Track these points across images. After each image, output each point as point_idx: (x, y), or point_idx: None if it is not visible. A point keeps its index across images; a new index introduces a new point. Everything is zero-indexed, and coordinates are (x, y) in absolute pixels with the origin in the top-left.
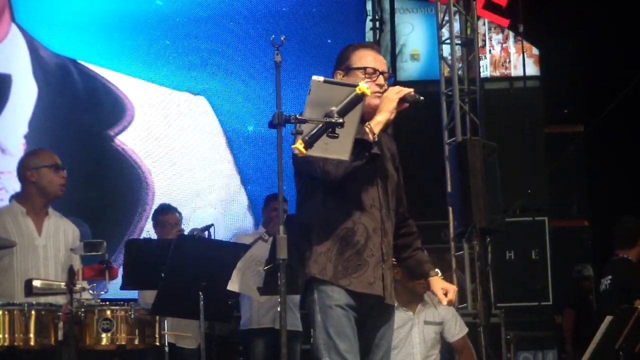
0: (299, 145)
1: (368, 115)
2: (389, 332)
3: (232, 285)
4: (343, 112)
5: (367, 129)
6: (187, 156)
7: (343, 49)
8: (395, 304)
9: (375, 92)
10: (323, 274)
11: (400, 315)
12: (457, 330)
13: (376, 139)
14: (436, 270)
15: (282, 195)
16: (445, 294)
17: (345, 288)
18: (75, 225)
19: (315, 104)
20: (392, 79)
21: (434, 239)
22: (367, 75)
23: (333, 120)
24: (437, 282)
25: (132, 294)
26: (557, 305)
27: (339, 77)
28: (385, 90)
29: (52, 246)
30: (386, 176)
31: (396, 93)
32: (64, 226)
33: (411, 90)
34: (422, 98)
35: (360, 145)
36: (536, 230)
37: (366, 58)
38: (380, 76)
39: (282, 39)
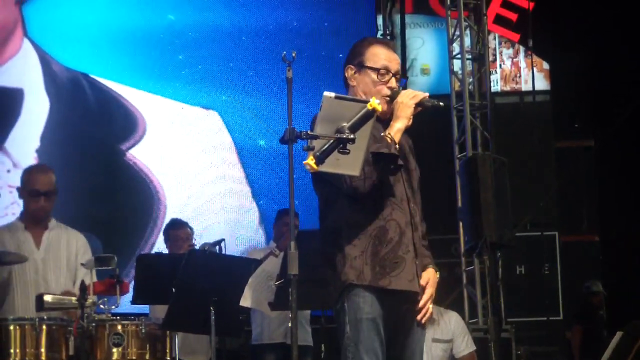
0: (311, 161)
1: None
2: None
3: (245, 301)
4: (354, 128)
5: (388, 139)
6: (198, 171)
7: (357, 41)
8: None
9: (385, 96)
10: (361, 279)
11: None
12: (464, 346)
13: (398, 148)
14: (434, 266)
15: (293, 210)
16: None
17: (386, 288)
18: (85, 239)
19: (326, 120)
20: (404, 80)
21: (445, 254)
22: (379, 77)
23: (344, 136)
24: (427, 273)
25: (143, 308)
26: (568, 320)
27: (350, 72)
28: (395, 92)
29: (52, 259)
30: (409, 171)
31: (411, 98)
32: (67, 237)
33: (426, 94)
34: (441, 103)
35: (386, 158)
36: (546, 245)
37: (380, 56)
38: (393, 78)
39: (293, 55)
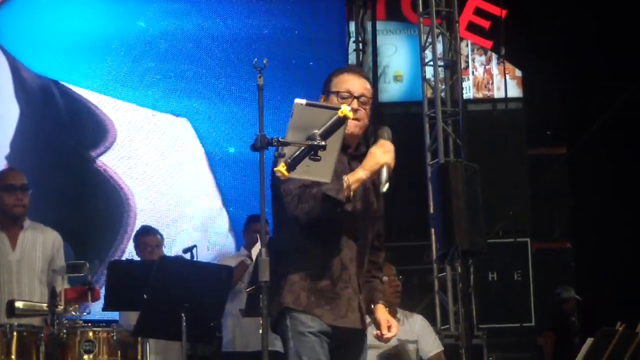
0: (282, 168)
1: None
2: (363, 356)
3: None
4: (325, 135)
5: (344, 184)
6: (168, 178)
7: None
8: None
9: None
10: (297, 304)
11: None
12: (431, 346)
13: (351, 196)
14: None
15: (264, 217)
16: (389, 329)
17: (318, 318)
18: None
19: (297, 127)
20: (375, 103)
21: (417, 260)
22: (340, 99)
23: (315, 143)
24: (383, 312)
25: (115, 315)
26: (540, 326)
27: (321, 101)
28: (383, 131)
29: (27, 261)
30: (367, 205)
31: (384, 153)
32: (43, 237)
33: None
34: (384, 189)
35: (332, 201)
36: (519, 251)
37: (343, 81)
38: (355, 100)
39: (264, 62)
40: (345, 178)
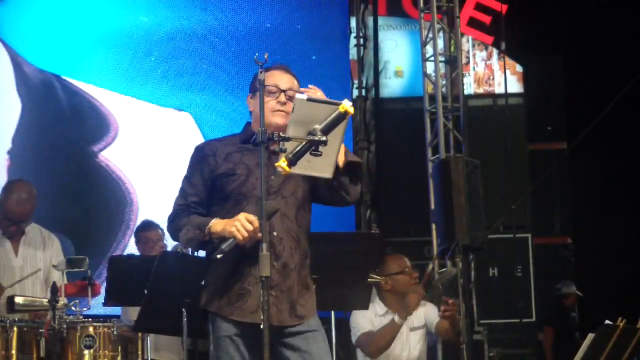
0: (282, 163)
1: (272, 129)
2: (313, 341)
3: None
4: (326, 130)
5: (206, 230)
6: (170, 172)
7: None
8: (385, 311)
9: (277, 111)
10: (209, 305)
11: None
12: (436, 315)
13: (213, 241)
14: None
15: (264, 211)
16: None
17: (227, 318)
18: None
19: (298, 122)
20: (305, 95)
21: (418, 256)
22: (267, 93)
23: (316, 138)
24: None
25: (115, 310)
26: (541, 322)
27: (248, 100)
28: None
29: (29, 266)
30: (282, 196)
31: (238, 227)
32: (43, 241)
33: (242, 236)
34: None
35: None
36: (519, 247)
37: (269, 77)
38: (282, 94)
39: (265, 57)
40: (209, 225)
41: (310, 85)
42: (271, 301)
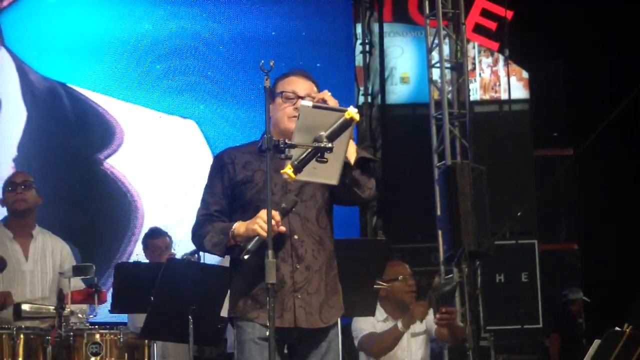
0: (288, 170)
1: (285, 137)
2: (327, 357)
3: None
4: (332, 137)
5: (230, 234)
6: (176, 180)
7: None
8: (384, 317)
9: (294, 117)
10: (234, 311)
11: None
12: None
13: (240, 242)
14: None
15: (270, 217)
16: None
17: (253, 321)
18: (69, 248)
19: (304, 129)
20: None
21: (424, 262)
22: (284, 100)
23: (322, 145)
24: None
25: (122, 317)
26: (547, 328)
27: (270, 106)
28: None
29: (40, 270)
30: (302, 200)
31: (257, 224)
32: (52, 246)
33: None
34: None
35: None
36: (526, 253)
37: (288, 83)
38: (299, 100)
39: (271, 64)
40: (232, 228)
41: (326, 91)
42: (298, 304)
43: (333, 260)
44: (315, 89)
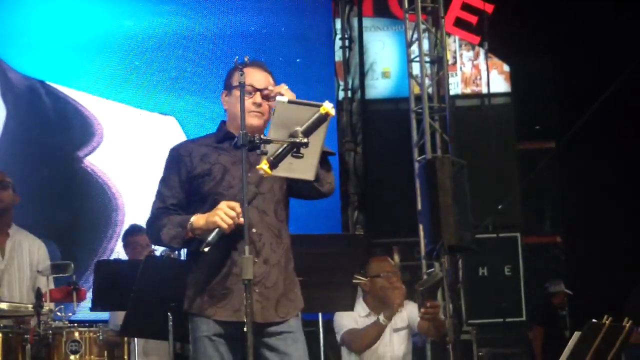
0: (264, 166)
1: (247, 130)
2: (293, 346)
3: None
4: (308, 132)
5: (188, 227)
6: (156, 176)
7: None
8: (367, 312)
9: (252, 111)
10: (191, 307)
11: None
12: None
13: (197, 235)
14: None
15: (247, 214)
16: None
17: (211, 318)
18: (45, 248)
19: (280, 125)
20: (277, 97)
21: (407, 257)
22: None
23: (298, 140)
24: None
25: (102, 315)
26: (531, 321)
27: (222, 97)
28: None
29: (16, 268)
30: (260, 192)
31: (226, 211)
32: (28, 245)
33: (225, 225)
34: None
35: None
36: (509, 246)
37: (245, 76)
38: (257, 94)
39: (246, 59)
40: (190, 221)
41: (283, 84)
42: (255, 298)
43: (290, 253)
44: (271, 80)
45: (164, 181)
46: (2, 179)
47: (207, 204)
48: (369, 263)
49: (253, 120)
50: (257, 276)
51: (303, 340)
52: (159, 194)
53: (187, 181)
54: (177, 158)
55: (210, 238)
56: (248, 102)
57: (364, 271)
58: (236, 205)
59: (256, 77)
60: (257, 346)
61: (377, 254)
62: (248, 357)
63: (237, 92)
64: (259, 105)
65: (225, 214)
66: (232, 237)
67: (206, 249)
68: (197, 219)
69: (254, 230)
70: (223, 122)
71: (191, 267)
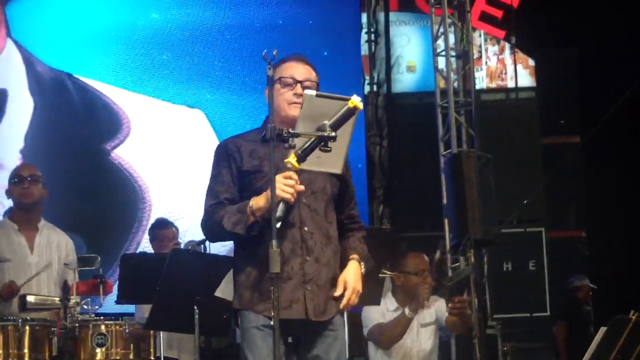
0: (292, 159)
1: (286, 124)
2: (334, 346)
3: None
4: (336, 126)
5: (248, 211)
6: (183, 169)
7: None
8: (395, 307)
9: (293, 103)
10: (240, 303)
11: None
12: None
13: (259, 220)
14: (358, 258)
15: (275, 208)
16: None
17: (260, 314)
18: (72, 243)
19: (307, 118)
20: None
21: (432, 250)
22: (283, 85)
23: (325, 134)
24: (347, 271)
25: (128, 308)
26: (555, 316)
27: (265, 93)
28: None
29: (45, 263)
30: (312, 191)
31: (285, 185)
32: (57, 239)
33: (288, 196)
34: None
35: (239, 223)
36: (533, 241)
37: (286, 68)
38: (298, 85)
39: (274, 53)
40: (250, 204)
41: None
42: (308, 296)
43: (338, 255)
44: (313, 73)
45: (214, 178)
46: (33, 172)
47: None
48: (406, 257)
49: (294, 112)
50: (309, 274)
51: (344, 337)
52: (211, 191)
53: (238, 177)
54: (226, 154)
55: (279, 212)
56: (289, 93)
57: (397, 264)
58: (291, 173)
59: (298, 69)
60: (301, 341)
61: (403, 248)
62: (274, 349)
63: (278, 86)
64: (300, 96)
65: (284, 184)
66: (282, 235)
67: (278, 225)
68: (257, 200)
69: (305, 228)
70: (267, 118)
71: (239, 266)
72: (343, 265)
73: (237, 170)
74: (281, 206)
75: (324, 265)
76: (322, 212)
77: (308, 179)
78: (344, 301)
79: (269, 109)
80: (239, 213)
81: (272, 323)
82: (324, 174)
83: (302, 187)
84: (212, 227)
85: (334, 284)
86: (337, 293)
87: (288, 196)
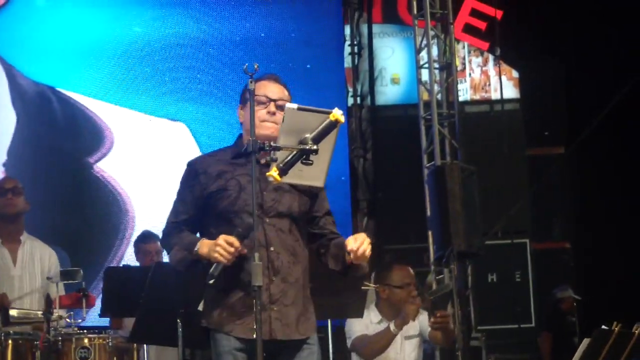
0: (274, 173)
1: (261, 139)
2: (311, 357)
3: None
4: (317, 139)
5: (193, 252)
6: (166, 182)
7: None
8: (379, 319)
9: (266, 121)
10: (210, 323)
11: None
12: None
13: (201, 257)
14: None
15: (256, 221)
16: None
17: (229, 335)
18: (56, 255)
19: (289, 131)
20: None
21: (417, 263)
22: (257, 104)
23: (307, 147)
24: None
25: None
26: (540, 327)
27: (238, 111)
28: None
29: (28, 276)
30: (278, 211)
31: (225, 246)
32: (40, 252)
33: (223, 260)
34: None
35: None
36: (518, 252)
37: (259, 87)
38: (271, 104)
39: (255, 67)
40: (196, 247)
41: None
42: (274, 316)
43: (307, 273)
44: (286, 92)
45: (179, 195)
46: (15, 185)
47: (223, 222)
48: (390, 269)
49: (266, 130)
50: (275, 295)
51: (319, 351)
52: (174, 208)
53: (202, 199)
54: (193, 174)
55: (213, 271)
56: (262, 111)
57: (380, 276)
58: (234, 240)
59: (271, 88)
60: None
61: (387, 260)
62: None
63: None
64: (273, 114)
65: (224, 249)
66: (247, 256)
67: (211, 282)
68: (202, 246)
69: (272, 249)
70: (240, 136)
71: (207, 286)
72: (343, 265)
73: (201, 192)
74: (216, 266)
75: (292, 284)
76: (287, 230)
77: (273, 199)
78: (360, 250)
79: (242, 126)
80: (185, 251)
81: (243, 346)
82: (291, 193)
83: (244, 251)
84: (165, 249)
85: (306, 302)
86: (350, 247)
87: (224, 261)
